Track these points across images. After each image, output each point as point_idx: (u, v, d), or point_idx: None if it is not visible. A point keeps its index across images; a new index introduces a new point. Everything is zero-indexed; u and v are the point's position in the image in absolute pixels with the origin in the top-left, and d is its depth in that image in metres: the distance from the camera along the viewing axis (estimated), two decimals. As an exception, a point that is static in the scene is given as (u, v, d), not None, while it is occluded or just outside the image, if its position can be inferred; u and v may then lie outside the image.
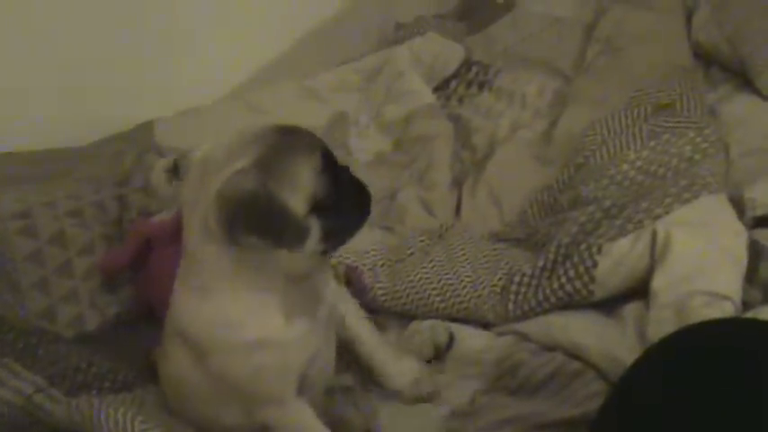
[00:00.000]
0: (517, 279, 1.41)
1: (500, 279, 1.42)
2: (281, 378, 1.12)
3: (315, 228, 1.04)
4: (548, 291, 1.37)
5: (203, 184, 1.03)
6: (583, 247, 1.37)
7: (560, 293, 1.36)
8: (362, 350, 1.29)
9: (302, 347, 1.12)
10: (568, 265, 1.36)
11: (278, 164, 1.02)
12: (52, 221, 1.49)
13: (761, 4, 1.90)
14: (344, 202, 1.06)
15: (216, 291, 1.07)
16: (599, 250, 1.35)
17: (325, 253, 1.09)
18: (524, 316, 1.38)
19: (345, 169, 1.10)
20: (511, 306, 1.39)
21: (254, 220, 1.00)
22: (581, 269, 1.35)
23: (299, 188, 1.02)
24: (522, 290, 1.40)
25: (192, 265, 1.09)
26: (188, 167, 1.08)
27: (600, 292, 1.35)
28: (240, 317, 1.07)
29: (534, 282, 1.40)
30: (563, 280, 1.36)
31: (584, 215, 1.46)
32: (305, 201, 1.02)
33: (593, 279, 1.34)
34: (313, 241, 1.04)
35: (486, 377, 1.31)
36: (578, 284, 1.35)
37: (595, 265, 1.34)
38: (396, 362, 1.29)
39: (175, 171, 1.11)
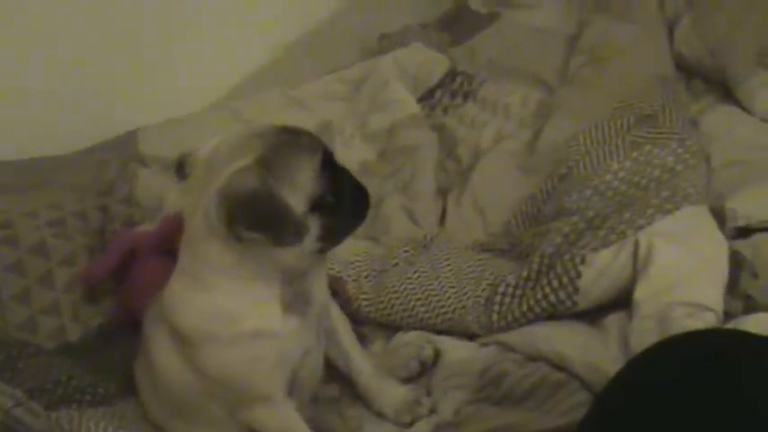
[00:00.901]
0: (501, 289, 1.41)
1: (484, 290, 1.42)
2: (275, 371, 1.14)
3: (313, 226, 1.07)
4: (532, 301, 1.37)
5: (207, 181, 1.06)
6: (566, 257, 1.37)
7: (544, 304, 1.36)
8: (353, 374, 1.31)
9: (296, 341, 1.15)
10: (552, 275, 1.37)
11: (279, 163, 1.05)
12: (33, 231, 1.48)
13: (742, 17, 1.92)
14: (343, 202, 1.10)
15: (215, 284, 1.09)
16: (582, 261, 1.35)
17: (321, 252, 1.12)
18: (508, 326, 1.39)
19: (345, 171, 1.13)
20: (495, 316, 1.39)
21: (254, 216, 1.03)
22: (565, 279, 1.35)
23: (300, 187, 1.05)
24: (507, 300, 1.40)
25: (192, 259, 1.11)
26: (193, 165, 1.11)
27: (583, 303, 1.35)
28: (239, 309, 1.10)
29: (518, 292, 1.40)
30: (547, 290, 1.36)
31: (568, 225, 1.46)
32: (305, 199, 1.06)
33: (576, 289, 1.34)
34: (311, 239, 1.07)
35: (470, 388, 1.30)
36: (562, 295, 1.35)
37: (579, 275, 1.34)
38: (385, 388, 1.30)
39: (180, 169, 1.13)
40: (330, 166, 1.09)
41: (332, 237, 1.11)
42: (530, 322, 1.37)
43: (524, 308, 1.38)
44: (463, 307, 1.41)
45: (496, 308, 1.39)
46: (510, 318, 1.38)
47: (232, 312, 1.10)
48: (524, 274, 1.41)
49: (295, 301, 1.13)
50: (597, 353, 1.27)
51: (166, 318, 1.14)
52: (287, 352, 1.14)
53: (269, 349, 1.11)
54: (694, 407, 0.88)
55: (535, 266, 1.41)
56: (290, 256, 1.08)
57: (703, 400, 0.89)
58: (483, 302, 1.41)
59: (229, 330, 1.10)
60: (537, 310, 1.37)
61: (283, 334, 1.12)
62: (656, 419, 0.90)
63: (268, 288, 1.10)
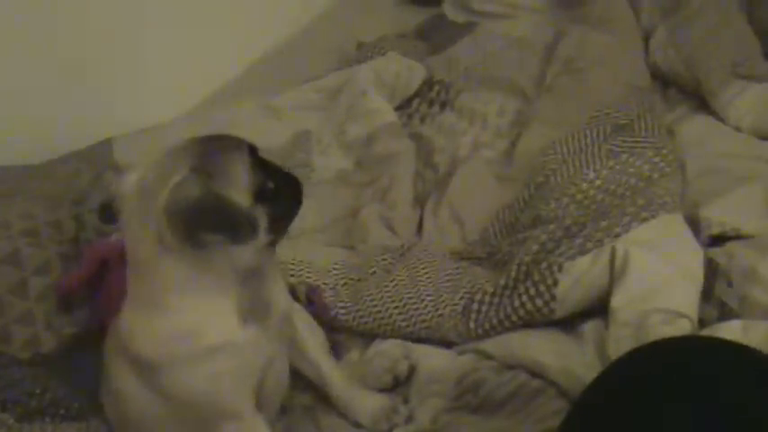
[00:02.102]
0: (479, 297, 1.41)
1: (462, 298, 1.42)
2: (238, 385, 1.13)
3: (261, 218, 1.08)
4: (509, 309, 1.38)
5: (145, 208, 1.05)
6: (544, 265, 1.38)
7: (522, 312, 1.37)
8: (323, 385, 1.31)
9: (257, 351, 1.14)
10: (529, 283, 1.37)
11: (213, 166, 1.06)
12: (6, 241, 1.46)
13: (716, 28, 1.94)
14: (279, 190, 1.11)
15: (169, 305, 1.08)
16: (560, 269, 1.36)
17: (272, 244, 1.13)
18: (486, 334, 1.39)
19: (270, 161, 1.14)
20: (472, 324, 1.39)
21: (209, 220, 1.04)
22: (542, 287, 1.36)
23: (239, 183, 1.06)
24: (484, 308, 1.40)
25: (142, 285, 1.10)
26: (121, 203, 1.09)
27: (560, 310, 1.36)
28: (195, 325, 1.09)
29: (496, 300, 1.40)
30: (524, 298, 1.37)
31: (545, 234, 1.47)
32: (247, 194, 1.06)
33: (553, 297, 1.35)
34: (263, 231, 1.08)
35: (447, 396, 1.30)
36: (539, 302, 1.36)
37: (556, 283, 1.35)
38: (358, 398, 1.30)
39: (105, 214, 1.12)
40: (258, 158, 1.11)
41: (279, 225, 1.12)
42: (507, 330, 1.38)
43: (501, 316, 1.38)
44: (440, 315, 1.41)
45: (474, 316, 1.40)
46: (487, 326, 1.39)
47: (189, 330, 1.08)
48: (502, 282, 1.41)
49: (253, 310, 1.12)
50: (574, 360, 1.27)
51: (125, 346, 1.13)
52: (248, 363, 1.13)
53: (230, 362, 1.10)
54: (669, 413, 0.89)
55: (512, 274, 1.41)
56: (246, 253, 1.08)
57: (678, 406, 0.89)
58: (460, 310, 1.41)
59: (188, 349, 1.09)
60: (514, 317, 1.37)
61: (243, 345, 1.11)
62: (631, 426, 0.90)
63: (223, 298, 1.09)
